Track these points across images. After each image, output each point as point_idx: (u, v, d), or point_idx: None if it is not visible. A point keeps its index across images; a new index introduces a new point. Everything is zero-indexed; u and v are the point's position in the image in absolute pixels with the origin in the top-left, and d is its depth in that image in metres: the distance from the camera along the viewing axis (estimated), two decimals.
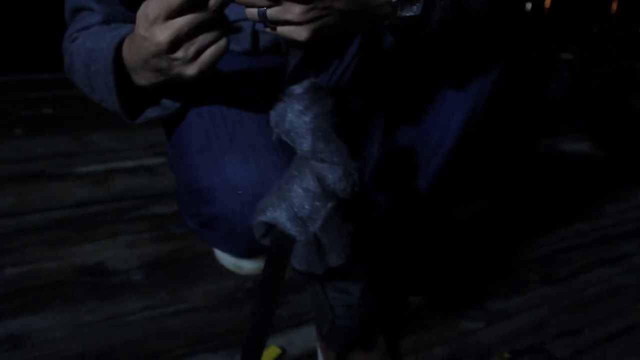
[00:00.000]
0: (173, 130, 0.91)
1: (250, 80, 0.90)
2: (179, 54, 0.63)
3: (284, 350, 1.01)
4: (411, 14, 0.66)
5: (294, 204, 0.62)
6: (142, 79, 0.71)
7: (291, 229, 0.62)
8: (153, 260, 1.19)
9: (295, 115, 0.61)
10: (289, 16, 0.59)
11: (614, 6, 4.21)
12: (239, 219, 0.80)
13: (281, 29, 0.61)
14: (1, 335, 0.97)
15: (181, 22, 0.61)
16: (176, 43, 0.62)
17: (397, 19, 0.66)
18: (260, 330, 0.68)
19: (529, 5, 3.30)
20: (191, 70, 0.64)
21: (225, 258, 1.18)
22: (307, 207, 0.62)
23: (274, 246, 0.65)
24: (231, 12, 0.84)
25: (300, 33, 0.60)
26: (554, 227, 1.51)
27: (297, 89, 0.62)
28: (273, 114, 0.63)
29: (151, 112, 0.79)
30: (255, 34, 0.87)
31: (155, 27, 0.61)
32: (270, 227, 0.65)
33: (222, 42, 0.64)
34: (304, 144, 0.62)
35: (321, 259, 0.66)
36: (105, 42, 0.73)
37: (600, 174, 1.91)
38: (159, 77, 0.69)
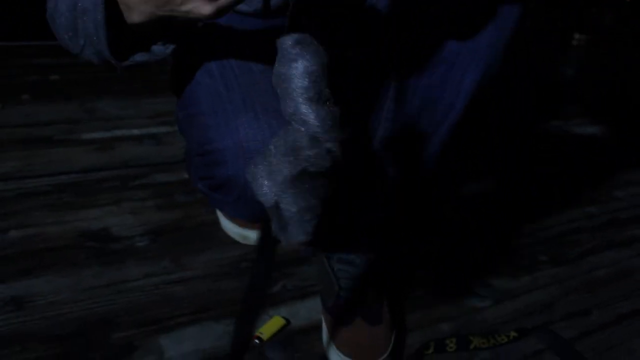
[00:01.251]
0: (182, 90, 0.89)
1: (261, 40, 0.88)
2: None
3: (288, 322, 1.00)
4: None
5: (271, 165, 0.58)
6: (138, 14, 0.66)
7: (259, 190, 0.59)
8: (157, 227, 1.17)
9: (282, 72, 0.57)
10: None
11: None
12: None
13: None
14: (4, 296, 0.96)
15: None
16: None
17: None
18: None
19: None
20: (206, 8, 0.60)
21: (230, 227, 1.16)
22: (277, 170, 0.57)
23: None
24: None
25: None
26: (564, 209, 1.49)
27: (287, 40, 0.57)
28: (274, 70, 0.59)
29: (140, 57, 0.73)
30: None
31: None
32: None
33: None
34: (287, 105, 0.58)
35: (283, 230, 0.61)
36: None
37: (611, 157, 1.88)
38: (161, 10, 0.63)
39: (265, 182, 0.58)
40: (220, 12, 0.60)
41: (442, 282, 1.17)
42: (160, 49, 0.73)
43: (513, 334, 1.03)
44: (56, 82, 1.82)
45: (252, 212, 0.82)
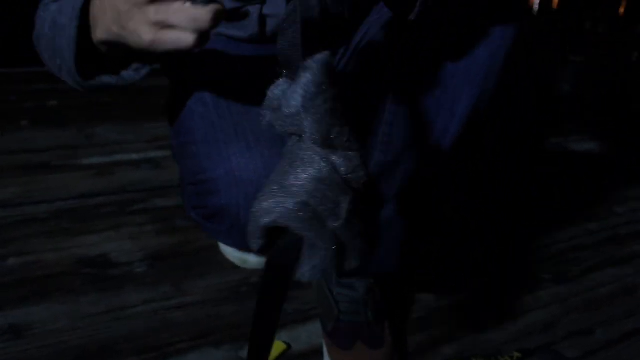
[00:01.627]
0: (176, 118, 0.89)
1: (255, 67, 0.88)
2: (153, 8, 0.55)
3: (289, 346, 0.99)
4: None
5: (311, 199, 0.49)
6: (100, 28, 0.62)
7: (309, 230, 0.50)
8: (156, 252, 1.17)
9: (310, 91, 0.50)
10: None
11: (622, 8, 4.18)
12: (243, 211, 0.78)
13: None
14: (3, 325, 0.95)
15: None
16: None
17: None
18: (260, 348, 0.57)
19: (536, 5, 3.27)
20: (146, 35, 0.55)
21: (229, 252, 1.16)
22: (327, 201, 0.50)
23: (277, 256, 0.52)
24: None
25: None
26: (564, 226, 1.49)
27: (314, 62, 0.50)
28: (274, 92, 0.52)
29: (107, 79, 0.71)
30: (262, 19, 0.85)
31: None
32: (270, 232, 0.52)
33: (189, 38, 0.55)
34: (318, 127, 0.50)
35: (338, 263, 0.54)
36: None
37: (609, 173, 1.88)
38: (115, 26, 0.60)
39: (313, 215, 0.50)
40: (154, 45, 0.56)
41: (444, 302, 1.16)
42: (130, 75, 0.71)
43: (517, 354, 1.02)
44: (54, 108, 1.83)
45: (245, 241, 0.82)
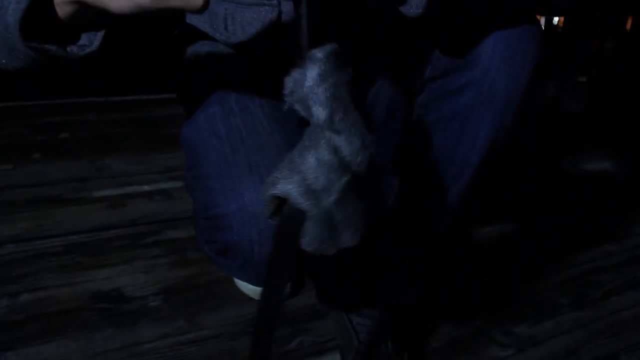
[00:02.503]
0: (190, 149, 0.89)
1: (271, 99, 0.88)
2: None
3: None
4: None
5: (307, 176, 0.56)
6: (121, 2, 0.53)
7: (303, 203, 0.56)
8: (170, 286, 1.16)
9: (314, 81, 0.56)
10: None
11: (628, 24, 4.18)
12: (256, 247, 0.77)
13: None
14: None
15: None
16: None
17: None
18: (268, 320, 0.63)
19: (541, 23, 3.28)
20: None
21: (244, 284, 1.14)
22: (321, 179, 0.56)
23: (283, 223, 0.59)
24: (251, 29, 0.81)
25: None
26: (583, 248, 1.46)
27: (318, 52, 0.56)
28: (288, 81, 0.57)
29: (52, 48, 0.60)
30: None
31: None
32: (280, 202, 0.59)
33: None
34: (321, 113, 0.57)
35: (334, 238, 0.59)
36: None
37: (624, 192, 1.85)
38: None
39: (308, 190, 0.57)
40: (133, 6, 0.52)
41: (462, 330, 1.13)
42: (74, 50, 0.63)
43: None
44: (66, 140, 1.84)
45: (259, 277, 0.80)
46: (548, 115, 2.55)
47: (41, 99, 2.27)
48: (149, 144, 1.81)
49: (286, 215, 0.58)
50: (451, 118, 0.82)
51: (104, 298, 1.11)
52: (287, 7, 0.79)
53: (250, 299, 1.13)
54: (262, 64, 0.86)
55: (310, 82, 0.56)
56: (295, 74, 0.57)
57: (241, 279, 1.08)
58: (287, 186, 0.57)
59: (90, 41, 0.63)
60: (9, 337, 0.99)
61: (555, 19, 3.61)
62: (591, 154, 2.11)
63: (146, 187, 1.54)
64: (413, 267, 0.98)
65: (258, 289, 1.12)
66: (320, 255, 0.59)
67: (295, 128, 0.85)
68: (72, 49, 0.62)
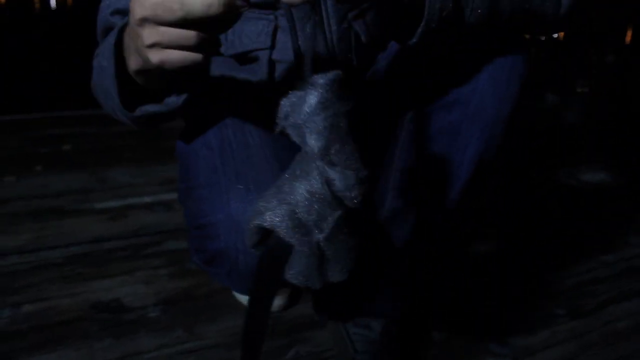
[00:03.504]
0: (184, 161, 0.91)
1: (262, 109, 0.90)
2: (145, 31, 0.58)
3: None
4: None
5: (298, 209, 0.54)
6: (129, 60, 0.67)
7: (292, 237, 0.54)
8: (169, 296, 1.17)
9: (312, 108, 0.54)
10: None
11: (628, 36, 4.20)
12: (241, 256, 0.79)
13: None
14: None
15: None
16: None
17: None
18: (255, 336, 0.63)
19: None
20: (153, 57, 0.59)
21: (242, 295, 1.16)
22: (312, 213, 0.54)
23: (267, 255, 0.57)
24: (248, 41, 0.84)
25: None
26: (578, 259, 1.48)
27: (320, 79, 0.54)
28: (285, 104, 0.55)
29: (151, 107, 0.75)
30: (271, 63, 0.87)
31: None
32: (266, 233, 0.56)
33: (193, 55, 0.58)
34: (317, 143, 0.54)
35: (321, 273, 0.58)
36: (113, 33, 0.71)
37: (622, 203, 1.87)
38: (135, 55, 0.64)
39: (299, 224, 0.55)
40: (163, 63, 0.59)
41: (458, 341, 1.15)
42: (173, 100, 0.74)
43: None
44: (68, 152, 1.87)
45: (246, 285, 0.83)
46: (546, 125, 2.57)
47: (44, 112, 2.30)
48: (151, 155, 1.83)
49: (271, 248, 0.56)
50: (440, 134, 0.83)
51: (104, 308, 1.12)
52: (284, 22, 0.82)
53: None
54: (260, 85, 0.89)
55: (308, 108, 0.54)
56: (292, 97, 0.55)
57: (231, 288, 1.10)
58: (275, 218, 0.54)
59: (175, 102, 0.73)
60: (11, 347, 1.00)
61: None
62: (588, 164, 2.13)
63: (147, 199, 1.56)
64: (406, 280, 0.99)
65: None
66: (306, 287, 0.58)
67: (286, 143, 0.88)
68: (171, 99, 0.73)
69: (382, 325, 1.00)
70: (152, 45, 0.58)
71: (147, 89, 0.73)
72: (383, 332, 1.00)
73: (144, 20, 0.56)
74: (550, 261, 1.46)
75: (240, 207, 0.78)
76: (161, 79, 0.69)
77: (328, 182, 0.55)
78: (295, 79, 0.57)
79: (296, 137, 0.55)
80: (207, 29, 0.56)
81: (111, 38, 0.71)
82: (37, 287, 1.17)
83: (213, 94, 0.92)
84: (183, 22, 0.55)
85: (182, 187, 0.93)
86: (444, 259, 1.40)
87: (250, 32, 0.84)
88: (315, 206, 0.54)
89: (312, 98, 0.54)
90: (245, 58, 0.86)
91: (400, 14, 0.69)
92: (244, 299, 1.16)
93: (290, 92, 0.56)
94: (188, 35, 0.55)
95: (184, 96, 0.74)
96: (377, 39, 0.86)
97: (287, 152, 0.87)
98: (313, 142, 0.54)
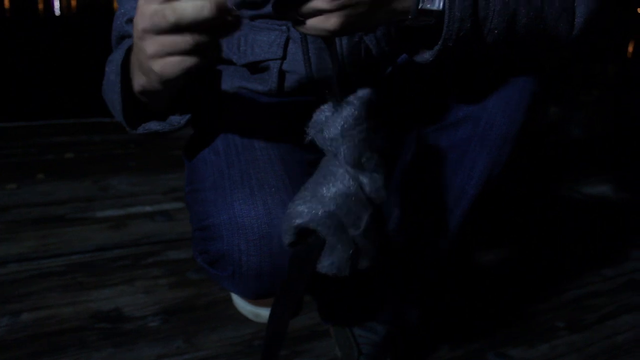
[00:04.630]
0: (191, 166, 0.92)
1: (271, 118, 0.91)
2: (146, 43, 0.59)
3: None
4: (434, 7, 0.65)
5: (338, 210, 0.61)
6: (136, 81, 0.69)
7: (333, 235, 0.61)
8: (169, 306, 1.17)
9: (349, 124, 0.61)
10: (319, 4, 0.59)
11: (630, 48, 4.21)
12: (245, 257, 0.79)
13: (311, 21, 0.60)
14: None
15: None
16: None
17: (420, 15, 0.65)
18: (278, 335, 0.66)
19: None
20: (155, 66, 0.60)
21: (242, 305, 1.16)
22: (351, 213, 0.61)
23: (304, 251, 0.63)
24: (260, 51, 0.85)
25: (329, 20, 0.60)
26: (579, 272, 1.48)
27: (356, 97, 0.62)
28: (319, 117, 0.62)
29: (155, 125, 0.78)
30: (281, 74, 0.88)
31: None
32: (302, 232, 0.63)
33: (187, 59, 0.60)
34: (352, 153, 0.61)
35: (353, 264, 0.65)
36: (122, 49, 0.73)
37: (623, 217, 1.87)
38: (140, 72, 0.66)
39: (338, 223, 0.62)
40: (164, 73, 0.60)
41: (458, 353, 1.15)
42: (177, 119, 0.77)
43: None
44: (71, 160, 1.87)
45: (248, 288, 0.83)
46: (549, 139, 2.57)
47: (47, 119, 2.32)
48: (153, 165, 1.84)
49: (309, 244, 0.63)
50: (448, 150, 0.84)
51: (104, 318, 1.12)
52: (296, 33, 0.83)
53: (248, 320, 1.15)
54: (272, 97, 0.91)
55: (345, 123, 0.61)
56: (326, 111, 0.62)
57: (231, 290, 1.10)
58: (317, 219, 0.61)
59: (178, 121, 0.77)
60: (10, 355, 1.01)
61: None
62: (590, 177, 2.13)
63: (148, 208, 1.57)
64: (410, 291, 1.00)
65: (255, 310, 1.14)
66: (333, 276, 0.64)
67: (290, 147, 0.88)
68: (175, 118, 0.77)
69: (386, 330, 1.01)
70: (154, 56, 0.59)
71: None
72: (387, 336, 1.00)
73: (145, 32, 0.58)
74: (551, 274, 1.46)
75: (244, 209, 0.79)
76: (164, 97, 0.71)
77: (361, 186, 0.63)
78: (306, 89, 0.61)
79: (330, 147, 0.62)
80: (208, 34, 0.57)
81: (118, 55, 0.72)
82: (37, 295, 1.17)
83: (221, 104, 0.93)
84: (178, 28, 0.56)
85: (188, 190, 0.93)
86: (447, 273, 1.40)
87: (262, 42, 0.86)
88: (353, 207, 0.62)
89: (347, 113, 0.61)
90: (256, 68, 0.88)
91: (414, 30, 0.70)
92: (244, 310, 1.16)
93: (322, 106, 0.63)
94: (184, 39, 0.57)
95: (187, 116, 0.77)
96: (388, 54, 0.87)
97: (292, 154, 0.88)
98: (348, 152, 0.62)
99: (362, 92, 0.62)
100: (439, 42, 0.67)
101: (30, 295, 1.17)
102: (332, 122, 0.61)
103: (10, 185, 1.64)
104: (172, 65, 0.59)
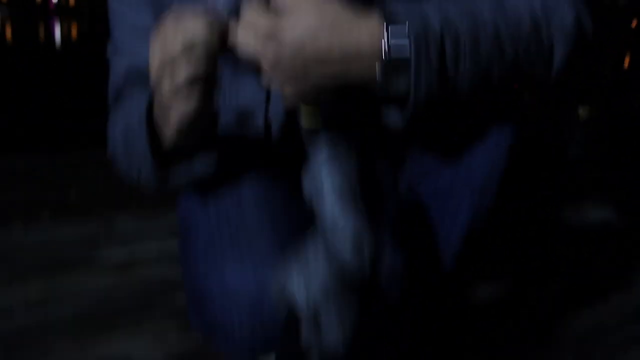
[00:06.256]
0: (182, 221, 0.93)
1: (258, 173, 0.91)
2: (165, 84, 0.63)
3: None
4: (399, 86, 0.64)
5: (308, 278, 0.63)
6: (164, 128, 0.70)
7: (301, 304, 0.63)
8: (179, 353, 1.17)
9: (318, 178, 0.63)
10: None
11: (626, 61, 4.24)
12: (236, 323, 0.80)
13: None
14: None
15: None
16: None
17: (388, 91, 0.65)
18: None
19: None
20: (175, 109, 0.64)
21: None
22: (316, 282, 0.62)
23: (289, 319, 0.65)
24: (244, 98, 0.85)
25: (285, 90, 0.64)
26: (586, 303, 1.47)
27: (320, 151, 0.64)
28: (305, 178, 0.65)
29: (184, 173, 0.81)
30: (267, 122, 0.88)
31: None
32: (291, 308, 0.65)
33: (182, 106, 0.64)
34: (324, 209, 0.62)
35: (319, 340, 0.65)
36: (143, 99, 0.75)
37: (629, 241, 1.86)
38: (166, 118, 0.68)
39: (302, 288, 0.63)
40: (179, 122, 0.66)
41: None
42: (203, 166, 0.81)
43: None
44: (76, 199, 1.87)
45: (241, 351, 0.84)
46: (548, 161, 2.57)
47: (51, 154, 2.33)
48: (159, 201, 1.83)
49: (291, 313, 0.64)
50: (431, 196, 0.85)
51: None
52: None
53: None
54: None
55: (313, 178, 0.63)
56: (308, 170, 0.65)
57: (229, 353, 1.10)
58: (291, 287, 0.63)
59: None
60: None
61: None
62: (594, 201, 2.13)
63: (155, 249, 1.56)
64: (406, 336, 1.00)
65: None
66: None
67: (279, 202, 0.89)
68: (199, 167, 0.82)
69: None
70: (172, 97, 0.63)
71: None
72: None
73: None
74: (558, 307, 1.45)
75: (234, 275, 0.80)
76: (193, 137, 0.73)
77: (334, 251, 0.62)
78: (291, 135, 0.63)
79: (314, 206, 0.64)
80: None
81: (142, 106, 0.74)
82: (44, 344, 1.17)
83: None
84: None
85: (180, 248, 0.94)
86: (445, 310, 1.40)
87: (246, 90, 0.85)
88: (319, 276, 0.63)
89: (317, 168, 0.64)
90: (243, 115, 0.88)
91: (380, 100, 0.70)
92: None
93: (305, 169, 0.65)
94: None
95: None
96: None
97: (281, 208, 0.88)
98: (322, 210, 0.63)
99: (330, 140, 0.64)
100: (407, 110, 0.66)
101: (38, 345, 1.16)
102: (311, 179, 0.64)
103: (15, 225, 1.64)
104: (176, 113, 0.64)
